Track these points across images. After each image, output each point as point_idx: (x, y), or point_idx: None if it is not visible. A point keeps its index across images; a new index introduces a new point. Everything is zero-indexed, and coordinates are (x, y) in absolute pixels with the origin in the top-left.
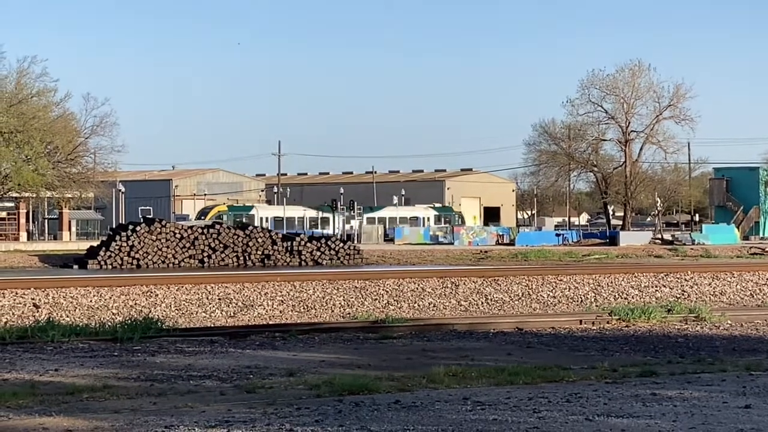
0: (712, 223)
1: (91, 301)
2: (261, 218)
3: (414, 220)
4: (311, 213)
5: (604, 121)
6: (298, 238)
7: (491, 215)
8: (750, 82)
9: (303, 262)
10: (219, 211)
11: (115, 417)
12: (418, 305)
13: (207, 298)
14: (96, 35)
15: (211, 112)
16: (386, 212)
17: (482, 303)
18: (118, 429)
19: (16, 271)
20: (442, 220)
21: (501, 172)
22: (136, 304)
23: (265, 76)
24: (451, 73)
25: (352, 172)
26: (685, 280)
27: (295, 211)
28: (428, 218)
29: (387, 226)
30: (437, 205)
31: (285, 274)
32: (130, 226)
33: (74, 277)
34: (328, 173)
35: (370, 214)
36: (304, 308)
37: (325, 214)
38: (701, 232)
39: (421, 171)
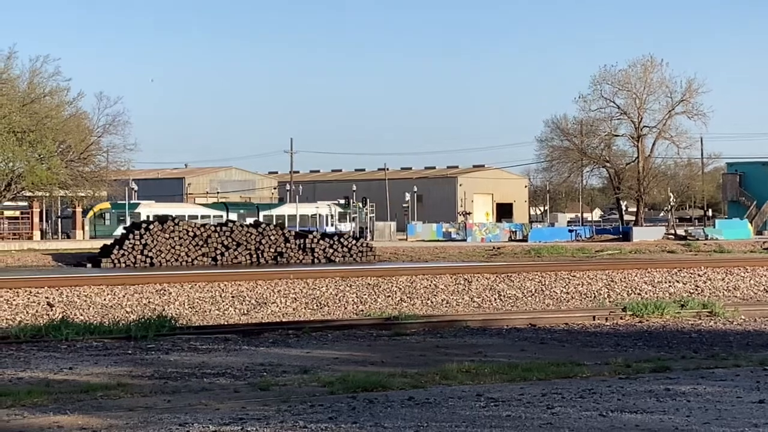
0: (725, 218)
1: (104, 299)
2: (147, 215)
3: (316, 218)
4: (203, 211)
5: (616, 117)
6: (310, 236)
7: (504, 211)
8: (763, 76)
9: (316, 260)
10: (101, 209)
11: (130, 415)
12: (431, 302)
13: (220, 296)
14: (108, 34)
15: (223, 110)
16: (285, 209)
17: (495, 299)
18: (132, 427)
19: (30, 270)
20: (348, 217)
21: (513, 168)
22: (149, 302)
23: (278, 74)
24: (462, 70)
25: (364, 170)
26: (699, 275)
27: (186, 209)
28: (332, 215)
29: (286, 224)
30: (341, 201)
31: (298, 271)
32: (144, 225)
33: (88, 275)
34: (340, 170)
35: (267, 212)
36: (317, 305)
37: (219, 212)
38: (714, 227)
39: (434, 168)
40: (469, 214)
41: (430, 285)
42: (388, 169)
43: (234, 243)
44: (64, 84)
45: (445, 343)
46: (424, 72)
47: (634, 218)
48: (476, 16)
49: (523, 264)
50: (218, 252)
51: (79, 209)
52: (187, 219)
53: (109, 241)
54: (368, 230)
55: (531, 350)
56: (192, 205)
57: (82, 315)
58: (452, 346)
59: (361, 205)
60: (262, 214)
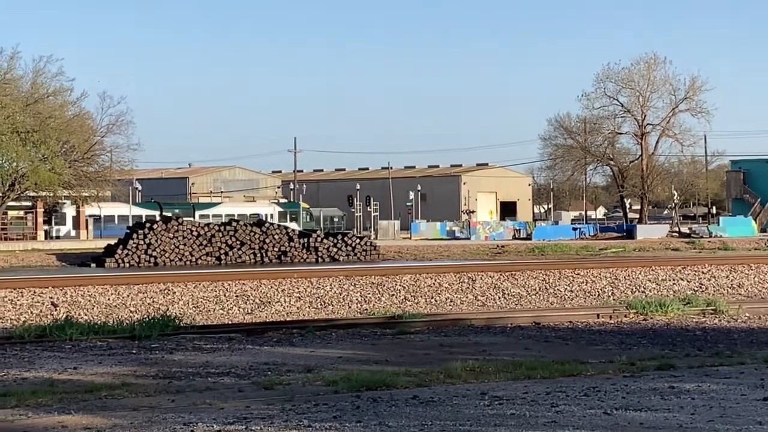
0: (730, 216)
1: (108, 299)
2: (72, 216)
3: (255, 218)
4: (135, 210)
5: (619, 115)
6: (314, 235)
7: (508, 210)
8: (767, 73)
9: (320, 259)
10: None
11: (134, 415)
12: (435, 300)
13: (224, 295)
14: (111, 34)
15: (227, 109)
16: (222, 209)
17: (499, 298)
18: (136, 426)
19: (34, 270)
20: (288, 217)
21: (517, 166)
22: (153, 301)
23: (282, 73)
24: (466, 68)
25: (368, 168)
26: (703, 272)
27: (116, 209)
28: (271, 215)
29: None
30: (282, 200)
31: (302, 270)
32: (147, 224)
33: (92, 275)
34: (344, 170)
35: (204, 211)
36: (321, 304)
37: (152, 212)
38: (718, 225)
39: (437, 166)
40: (473, 212)
41: (434, 283)
42: (391, 168)
43: (238, 242)
44: (68, 84)
45: (449, 342)
46: (428, 71)
47: (638, 216)
48: (479, 14)
49: (527, 262)
50: (222, 251)
51: (83, 209)
52: (116, 219)
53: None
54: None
55: (535, 349)
56: (122, 204)
57: (86, 315)
58: (456, 345)
59: (306, 206)
60: (197, 213)
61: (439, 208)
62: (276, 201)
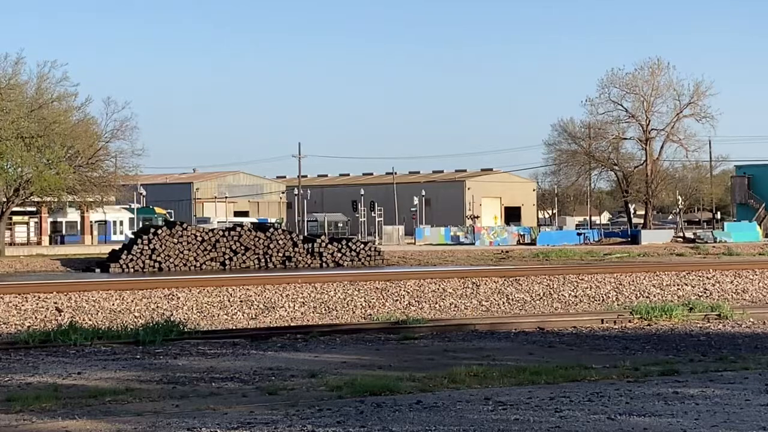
0: (734, 221)
1: (113, 304)
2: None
3: (101, 225)
4: None
5: (624, 120)
6: (319, 240)
7: (512, 215)
8: None
9: (324, 264)
10: None
11: (138, 420)
12: (439, 306)
13: (228, 301)
14: (116, 39)
15: (231, 114)
16: (73, 216)
17: (503, 303)
18: (140, 431)
19: (39, 275)
20: (142, 223)
21: (521, 171)
22: (157, 307)
23: (286, 77)
24: (470, 72)
25: (372, 173)
26: (707, 278)
27: None
28: (120, 221)
29: (65, 231)
30: (134, 206)
31: (306, 275)
32: (152, 229)
33: (96, 280)
34: (348, 174)
35: (51, 219)
36: (325, 310)
37: None
38: (723, 230)
39: (442, 171)
40: (477, 217)
41: (438, 289)
42: (396, 173)
43: (242, 247)
44: (72, 89)
45: (453, 347)
46: (432, 76)
47: (642, 221)
48: (483, 19)
49: (532, 267)
50: (227, 257)
51: (87, 214)
52: None
53: None
54: None
55: (539, 354)
56: None
57: (90, 320)
58: (460, 350)
59: (162, 211)
60: (49, 220)
61: (444, 213)
62: (128, 207)
